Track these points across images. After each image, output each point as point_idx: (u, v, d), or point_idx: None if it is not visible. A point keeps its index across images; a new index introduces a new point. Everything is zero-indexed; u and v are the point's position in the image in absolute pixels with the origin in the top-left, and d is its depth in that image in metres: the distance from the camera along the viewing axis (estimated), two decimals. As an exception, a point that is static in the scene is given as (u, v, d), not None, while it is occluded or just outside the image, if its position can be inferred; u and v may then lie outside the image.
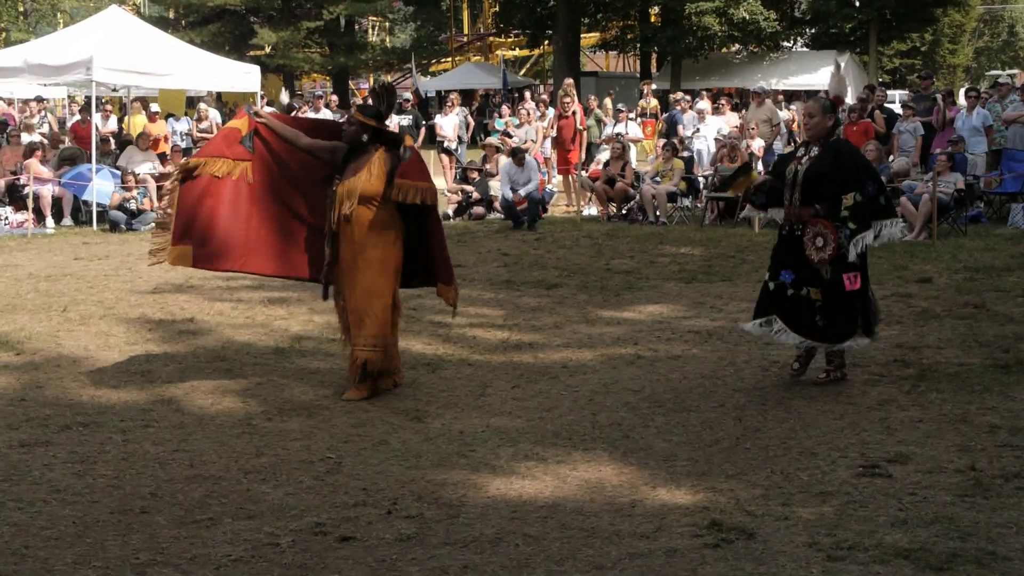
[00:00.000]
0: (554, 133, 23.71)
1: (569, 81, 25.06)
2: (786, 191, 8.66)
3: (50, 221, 19.57)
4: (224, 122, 26.36)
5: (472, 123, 28.28)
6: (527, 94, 30.00)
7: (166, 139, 24.41)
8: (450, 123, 25.49)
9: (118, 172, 20.28)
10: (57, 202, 20.04)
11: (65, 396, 8.55)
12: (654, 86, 30.04)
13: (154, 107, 25.43)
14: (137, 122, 24.16)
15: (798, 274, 8.50)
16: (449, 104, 27.15)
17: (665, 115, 26.71)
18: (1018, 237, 16.22)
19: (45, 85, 27.97)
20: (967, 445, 7.08)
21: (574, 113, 22.90)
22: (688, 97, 26.37)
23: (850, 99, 30.46)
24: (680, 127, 24.11)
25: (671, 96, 30.49)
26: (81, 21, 26.72)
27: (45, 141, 22.68)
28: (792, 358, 8.91)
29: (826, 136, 8.59)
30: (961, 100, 21.08)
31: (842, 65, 9.54)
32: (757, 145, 21.33)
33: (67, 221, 19.92)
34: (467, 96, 43.49)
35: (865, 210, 8.33)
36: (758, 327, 8.77)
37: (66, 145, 22.73)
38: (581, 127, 23.06)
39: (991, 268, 13.58)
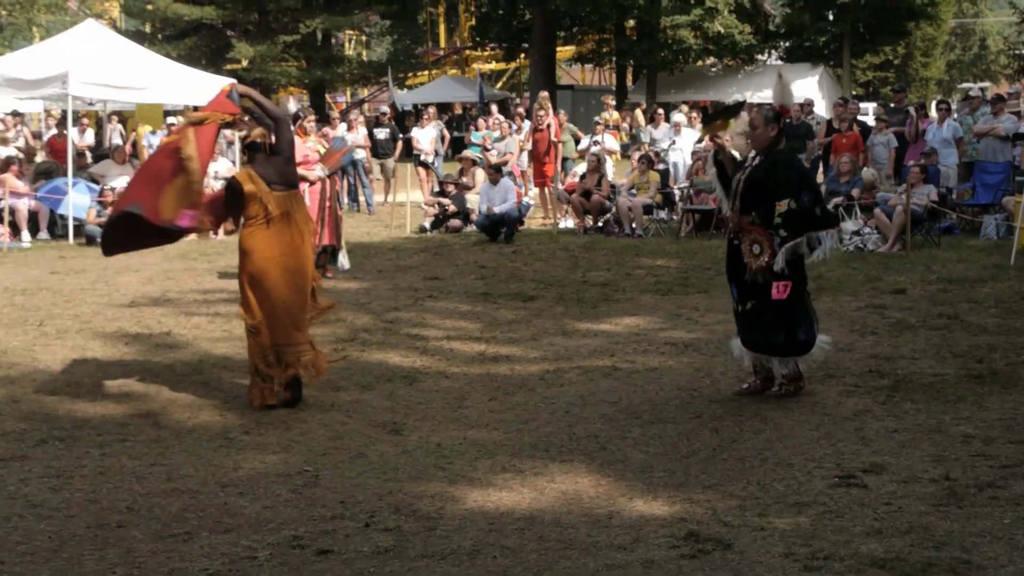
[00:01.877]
0: (530, 146, 23.77)
1: (544, 94, 25.14)
2: (729, 199, 8.71)
3: (26, 235, 19.47)
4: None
5: (448, 136, 28.28)
6: (493, 108, 30.05)
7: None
8: (427, 136, 25.50)
9: (95, 186, 20.22)
10: (33, 216, 19.97)
11: (41, 410, 8.53)
12: (612, 101, 30.08)
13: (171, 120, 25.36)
14: (141, 133, 24.06)
15: (740, 288, 8.54)
16: (426, 117, 27.16)
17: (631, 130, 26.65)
18: (991, 248, 16.33)
19: (21, 99, 27.84)
20: (942, 455, 7.12)
21: (549, 126, 22.94)
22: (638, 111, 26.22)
23: (824, 112, 30.69)
24: (645, 144, 24.11)
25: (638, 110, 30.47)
26: (57, 35, 26.59)
27: (21, 155, 22.59)
28: (744, 379, 8.92)
29: (770, 146, 8.60)
30: (933, 112, 21.15)
31: (785, 75, 9.51)
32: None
33: (43, 235, 19.86)
34: (443, 110, 43.56)
35: (799, 219, 8.33)
36: (736, 348, 8.81)
37: (42, 159, 22.66)
38: (556, 139, 23.10)
39: (964, 279, 13.67)
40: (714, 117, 9.60)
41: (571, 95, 48.25)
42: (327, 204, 14.33)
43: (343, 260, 15.06)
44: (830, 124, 21.87)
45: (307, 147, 14.16)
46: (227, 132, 24.43)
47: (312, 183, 13.95)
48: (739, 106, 9.67)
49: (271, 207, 8.76)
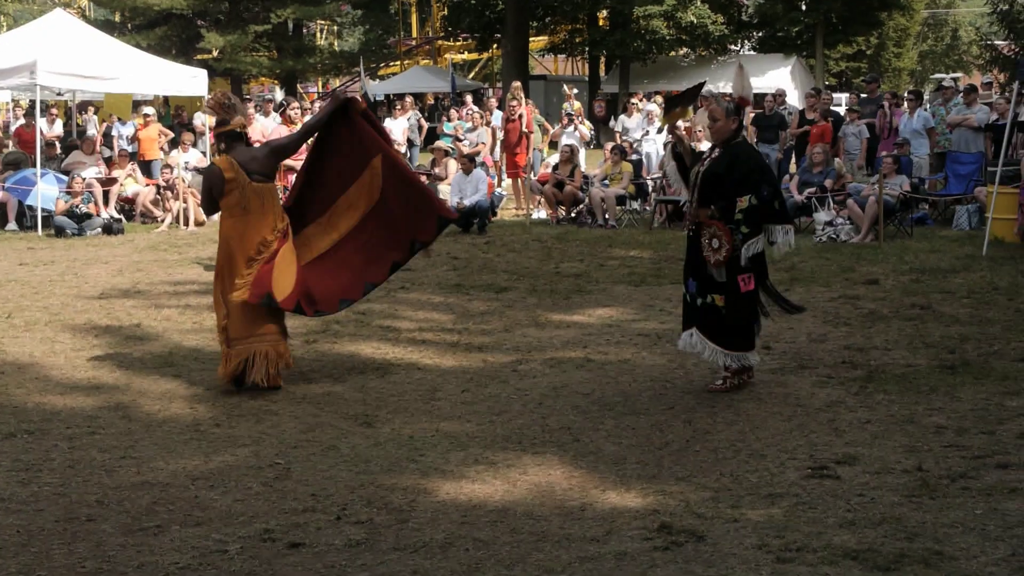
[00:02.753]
0: (502, 136, 23.72)
1: (517, 84, 25.03)
2: (688, 192, 8.70)
3: (-6, 226, 19.36)
4: (172, 127, 26.26)
5: (425, 126, 28.19)
6: (467, 98, 29.98)
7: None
8: (399, 127, 25.44)
9: (63, 177, 20.10)
10: (1, 207, 19.84)
11: (9, 403, 8.46)
12: (575, 91, 30.03)
13: (148, 110, 25.11)
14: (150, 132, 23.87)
15: (700, 281, 8.50)
16: (399, 108, 27.05)
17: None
18: (963, 239, 16.39)
19: (-12, 89, 27.72)
20: (914, 446, 7.14)
21: (520, 116, 22.89)
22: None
23: (796, 102, 30.74)
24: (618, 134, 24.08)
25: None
26: (25, 24, 26.44)
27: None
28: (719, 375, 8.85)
29: (729, 139, 8.56)
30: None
31: (745, 67, 9.49)
32: (704, 148, 21.40)
33: (11, 226, 19.72)
34: (416, 100, 43.50)
35: (758, 214, 8.32)
36: (683, 340, 8.76)
37: (10, 149, 22.51)
38: (527, 130, 23.05)
39: (937, 270, 13.71)
40: (674, 104, 9.57)
41: (544, 85, 48.23)
42: None
43: None
44: (803, 114, 21.90)
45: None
46: (198, 123, 24.33)
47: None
48: (698, 89, 9.61)
49: (250, 197, 8.77)
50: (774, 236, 8.48)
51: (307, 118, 16.43)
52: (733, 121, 8.57)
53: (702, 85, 9.72)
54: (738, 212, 8.29)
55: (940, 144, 20.11)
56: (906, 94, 22.43)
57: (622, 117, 25.53)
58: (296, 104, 15.39)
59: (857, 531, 5.69)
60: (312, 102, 37.04)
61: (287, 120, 14.13)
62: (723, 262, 8.32)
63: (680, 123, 9.17)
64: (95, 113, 28.41)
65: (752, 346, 8.57)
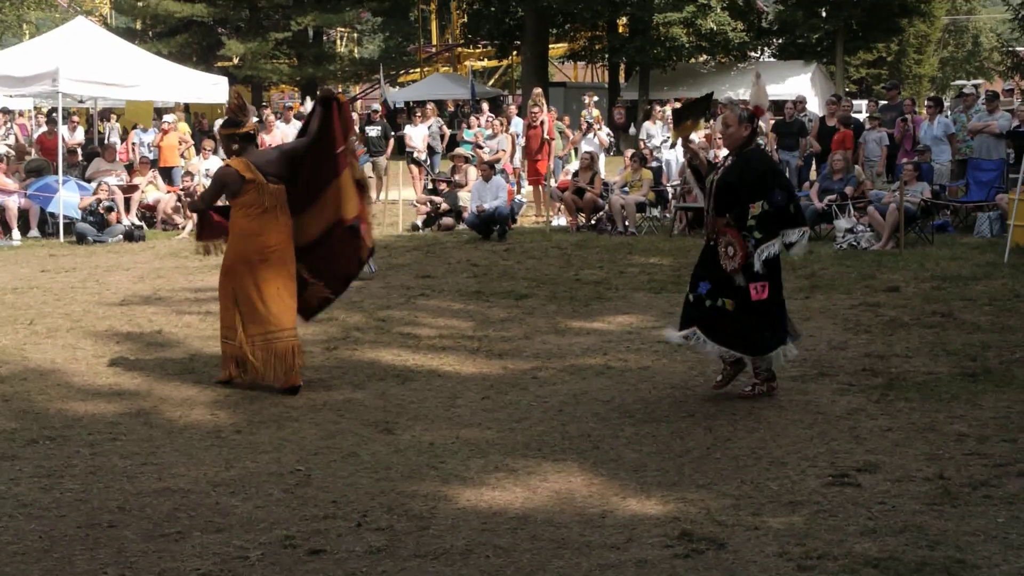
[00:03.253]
0: (523, 142, 23.73)
1: (538, 91, 25.04)
2: (705, 201, 8.68)
3: (16, 233, 19.42)
4: (193, 135, 26.35)
5: (447, 133, 28.22)
6: (484, 106, 30.01)
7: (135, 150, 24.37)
8: (419, 134, 25.48)
9: (85, 185, 20.19)
10: (23, 214, 19.92)
11: (32, 409, 8.49)
12: (595, 98, 29.97)
13: (168, 118, 25.21)
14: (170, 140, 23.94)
15: (714, 285, 8.46)
16: (418, 115, 27.08)
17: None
18: (984, 246, 16.33)
19: (11, 96, 27.77)
20: (935, 454, 7.11)
21: (542, 123, 22.90)
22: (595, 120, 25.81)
23: (817, 109, 30.69)
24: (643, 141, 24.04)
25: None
26: (47, 32, 26.56)
27: (11, 153, 22.55)
28: (718, 371, 8.87)
29: (742, 146, 8.54)
30: (925, 111, 21.23)
31: (762, 75, 9.46)
32: (724, 155, 21.38)
33: (34, 233, 19.81)
34: (438, 107, 43.57)
35: (772, 219, 8.28)
36: (679, 336, 8.74)
37: (32, 157, 22.61)
38: (549, 137, 23.06)
39: (958, 277, 13.67)
40: (683, 116, 9.53)
41: (563, 92, 48.27)
42: None
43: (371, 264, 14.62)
44: (823, 121, 21.87)
45: None
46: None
47: None
48: (707, 100, 9.60)
49: (267, 197, 8.87)
50: (790, 239, 8.44)
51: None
52: (746, 128, 8.54)
53: (710, 96, 9.69)
54: (751, 218, 8.26)
55: (961, 151, 20.04)
56: (926, 101, 22.41)
57: (646, 124, 25.51)
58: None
59: (878, 539, 5.68)
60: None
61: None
62: (738, 269, 8.31)
63: (693, 135, 9.14)
64: (117, 120, 28.54)
65: (769, 349, 8.53)
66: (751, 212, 8.27)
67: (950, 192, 19.33)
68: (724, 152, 20.47)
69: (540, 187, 22.56)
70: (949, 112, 21.07)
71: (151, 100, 26.41)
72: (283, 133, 22.86)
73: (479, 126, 26.15)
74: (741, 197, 8.33)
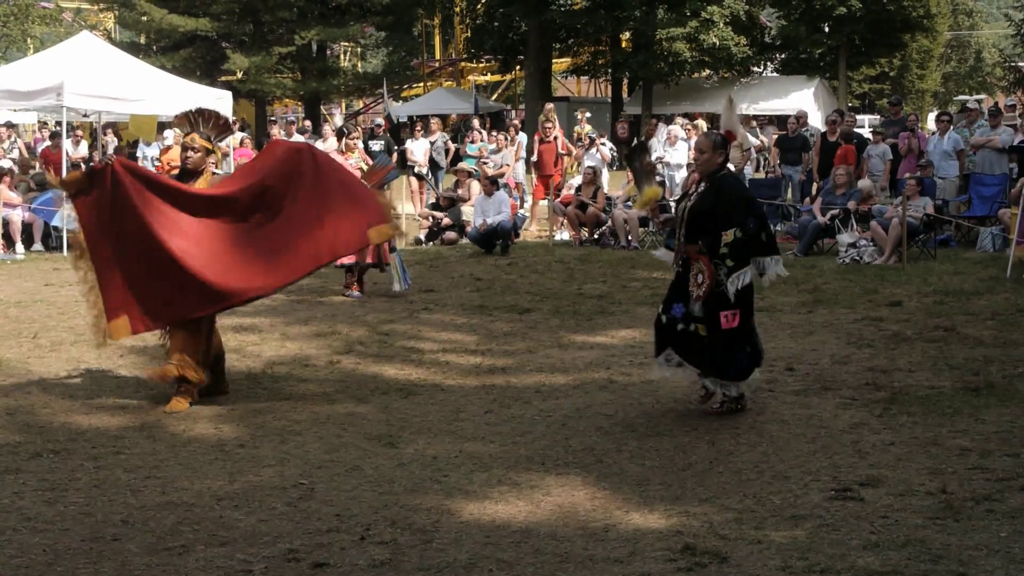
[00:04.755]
0: (523, 155, 23.75)
1: (550, 106, 25.11)
2: (677, 228, 8.64)
3: (20, 247, 19.46)
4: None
5: (452, 148, 28.23)
6: (475, 122, 30.08)
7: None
8: (420, 148, 25.48)
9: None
10: (27, 228, 19.96)
11: (36, 423, 8.50)
12: (588, 114, 30.01)
13: (168, 134, 25.16)
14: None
15: (688, 309, 8.45)
16: (419, 129, 27.09)
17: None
18: (987, 261, 16.35)
19: (15, 110, 27.86)
20: (938, 468, 7.11)
21: (556, 138, 22.95)
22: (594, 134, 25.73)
23: (819, 124, 30.72)
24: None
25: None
26: (52, 47, 26.62)
27: (15, 167, 22.59)
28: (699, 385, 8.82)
29: (715, 172, 8.50)
30: (930, 125, 21.24)
31: (734, 100, 9.43)
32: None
33: (37, 246, 19.84)
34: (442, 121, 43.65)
35: (745, 247, 8.27)
36: (661, 367, 8.71)
37: (36, 171, 22.65)
38: (563, 152, 23.10)
39: (961, 291, 13.68)
40: (640, 182, 9.40)
41: (566, 107, 48.33)
42: None
43: (396, 283, 14.45)
44: (824, 136, 21.89)
45: (349, 164, 13.83)
46: (223, 144, 24.42)
47: None
48: (642, 146, 9.49)
49: None
50: (764, 268, 8.45)
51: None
52: (720, 155, 8.51)
53: (644, 144, 9.50)
54: (723, 246, 8.24)
55: (966, 166, 20.07)
56: (935, 116, 22.42)
57: (652, 140, 25.56)
58: (357, 133, 14.82)
59: (881, 553, 5.68)
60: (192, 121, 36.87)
61: (347, 148, 13.95)
62: (703, 297, 8.30)
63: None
64: (115, 135, 28.58)
65: (747, 374, 8.51)
66: (723, 240, 8.25)
67: (954, 207, 19.34)
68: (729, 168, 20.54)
69: (544, 201, 22.57)
70: (954, 127, 21.06)
71: (155, 114, 26.41)
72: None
73: (471, 142, 26.19)
74: (714, 224, 8.32)
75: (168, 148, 24.13)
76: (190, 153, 8.91)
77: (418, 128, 27.31)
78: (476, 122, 30.48)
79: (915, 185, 17.38)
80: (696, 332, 8.39)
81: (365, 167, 13.97)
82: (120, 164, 8.90)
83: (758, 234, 8.36)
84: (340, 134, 14.39)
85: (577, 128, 27.85)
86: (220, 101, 23.08)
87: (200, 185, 8.89)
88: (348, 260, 13.93)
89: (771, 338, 11.27)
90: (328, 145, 24.18)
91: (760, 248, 8.38)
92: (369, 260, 14.24)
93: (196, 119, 9.08)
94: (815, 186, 21.20)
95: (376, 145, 25.40)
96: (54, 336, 11.76)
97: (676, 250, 8.63)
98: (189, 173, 8.90)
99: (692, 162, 8.72)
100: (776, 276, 8.59)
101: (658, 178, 20.87)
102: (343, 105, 66.04)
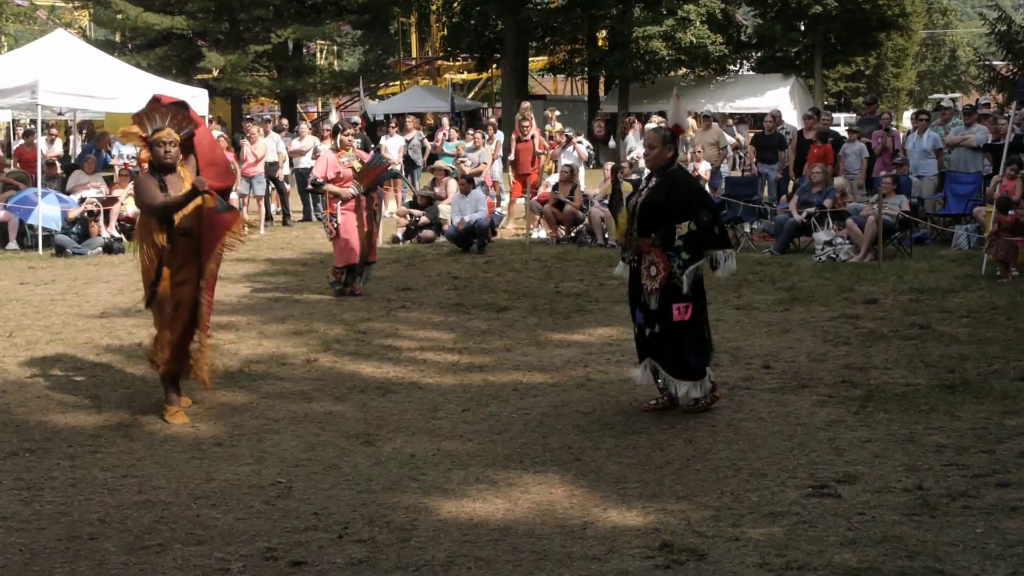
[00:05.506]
0: (500, 154, 23.72)
1: (527, 104, 25.08)
2: (629, 223, 8.66)
3: (-5, 246, 19.38)
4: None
5: (428, 146, 28.20)
6: (444, 120, 30.06)
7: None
8: (394, 145, 25.43)
9: (65, 197, 20.13)
10: (2, 226, 19.87)
11: (11, 422, 8.47)
12: (557, 112, 29.92)
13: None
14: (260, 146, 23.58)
15: (645, 312, 8.50)
16: (393, 126, 27.03)
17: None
18: (962, 258, 16.41)
19: (-11, 109, 27.76)
20: (914, 465, 7.15)
21: (533, 137, 22.95)
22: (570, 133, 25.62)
23: (795, 122, 30.81)
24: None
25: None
26: (26, 44, 26.49)
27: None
28: (653, 396, 8.82)
29: (665, 166, 8.54)
30: (905, 123, 21.33)
31: (680, 95, 9.44)
32: (704, 168, 21.51)
33: (12, 245, 19.74)
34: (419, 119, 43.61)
35: (699, 239, 8.33)
36: (642, 375, 8.73)
37: (11, 169, 22.56)
38: (540, 150, 23.09)
39: (936, 289, 13.73)
40: (615, 210, 9.28)
41: (543, 105, 48.32)
42: (365, 221, 13.92)
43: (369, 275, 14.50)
44: (800, 135, 21.95)
45: (341, 162, 13.86)
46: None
47: (345, 201, 13.76)
48: (618, 201, 9.40)
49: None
50: (716, 261, 8.48)
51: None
52: (669, 149, 8.54)
53: (626, 200, 9.34)
54: (678, 239, 8.30)
55: (942, 164, 20.15)
56: (913, 114, 22.47)
57: (630, 136, 25.59)
58: (351, 130, 14.53)
59: (858, 550, 5.70)
60: (312, 121, 37.03)
61: (342, 145, 13.85)
62: (658, 289, 8.33)
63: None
64: (82, 132, 28.43)
65: (701, 373, 8.51)
66: (678, 232, 8.30)
67: (929, 205, 19.42)
68: (704, 166, 20.60)
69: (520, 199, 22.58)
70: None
71: (130, 113, 26.32)
72: (264, 145, 22.82)
73: (447, 140, 26.16)
74: (667, 218, 8.35)
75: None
76: (168, 148, 8.66)
77: (392, 125, 27.21)
78: (446, 120, 30.46)
79: (891, 183, 17.43)
80: (658, 332, 8.44)
81: (359, 166, 13.92)
82: None
83: (711, 227, 8.41)
84: (335, 131, 14.28)
85: (548, 127, 27.81)
86: (196, 99, 22.99)
87: (179, 178, 8.71)
88: (352, 260, 13.92)
89: (748, 336, 11.33)
90: (305, 143, 24.21)
91: (713, 241, 8.43)
92: (371, 259, 14.20)
93: (165, 114, 8.84)
94: (791, 184, 21.26)
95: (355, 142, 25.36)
96: (29, 335, 11.71)
97: (628, 244, 8.63)
98: (166, 168, 8.68)
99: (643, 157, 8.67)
100: (730, 271, 8.61)
101: (633, 176, 21.00)
102: (319, 103, 65.94)
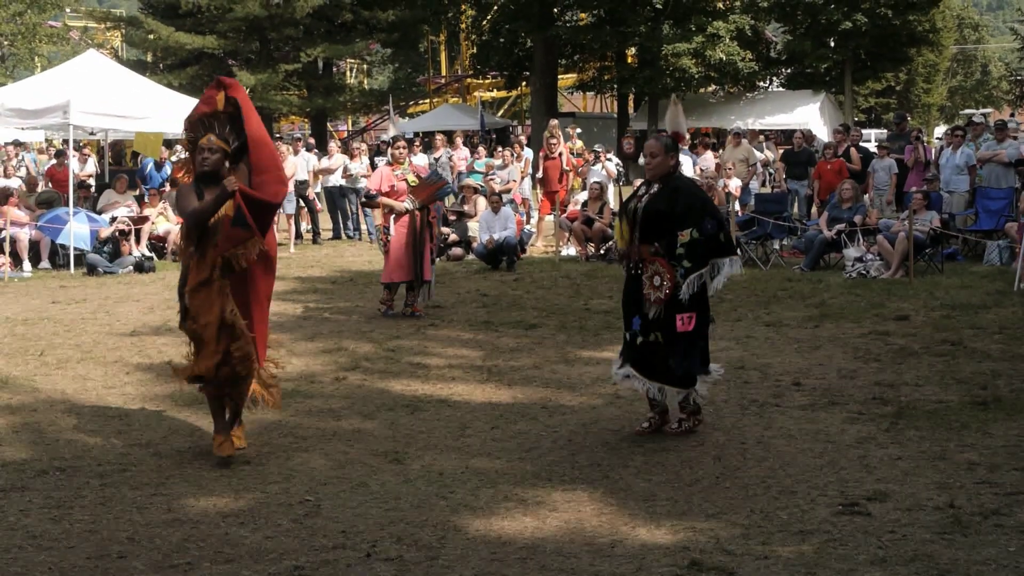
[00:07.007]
0: (531, 172, 23.73)
1: (555, 122, 25.09)
2: (629, 229, 8.59)
3: (27, 265, 19.49)
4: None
5: (456, 164, 28.27)
6: (458, 138, 30.14)
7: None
8: (420, 163, 25.42)
9: (96, 216, 20.26)
10: (34, 245, 19.99)
11: (42, 440, 8.50)
12: (579, 130, 29.88)
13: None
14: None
15: (644, 320, 8.43)
16: (417, 145, 27.11)
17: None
18: (994, 274, 16.32)
19: (23, 128, 27.90)
20: (946, 482, 7.09)
21: (560, 154, 22.96)
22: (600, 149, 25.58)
23: (826, 138, 30.74)
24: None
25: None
26: (59, 65, 26.70)
27: (22, 186, 22.65)
28: (644, 417, 8.74)
29: (667, 174, 8.50)
30: (934, 139, 21.28)
31: (679, 103, 9.40)
32: (734, 185, 21.49)
33: (44, 264, 19.87)
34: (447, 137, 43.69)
35: (702, 248, 8.25)
36: (619, 374, 8.68)
37: (42, 188, 22.71)
38: (568, 168, 23.10)
39: (968, 305, 13.66)
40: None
41: (572, 123, 48.42)
42: (418, 237, 13.69)
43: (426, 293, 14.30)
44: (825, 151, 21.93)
45: (395, 176, 13.77)
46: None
47: (399, 215, 13.65)
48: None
49: None
50: (719, 268, 8.39)
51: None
52: (672, 157, 8.51)
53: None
54: (680, 246, 8.24)
55: (975, 180, 20.07)
56: (948, 130, 22.38)
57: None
58: (402, 143, 14.16)
59: (888, 568, 5.66)
60: (342, 139, 37.13)
61: (395, 160, 13.75)
62: (663, 300, 8.27)
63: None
64: (116, 153, 28.60)
65: (694, 381, 8.47)
66: (680, 240, 8.24)
67: (960, 221, 19.33)
68: (735, 182, 20.54)
69: (549, 216, 22.58)
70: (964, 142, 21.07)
71: (160, 132, 26.44)
72: (294, 164, 22.90)
73: (477, 158, 26.19)
74: (670, 225, 8.31)
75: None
76: (207, 155, 8.16)
77: (416, 144, 27.25)
78: (460, 139, 30.53)
79: (922, 199, 17.37)
80: (656, 341, 8.38)
81: (414, 180, 13.82)
82: None
83: (716, 235, 8.34)
84: (390, 144, 14.22)
85: (569, 143, 27.84)
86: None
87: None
88: (395, 278, 13.82)
89: (777, 352, 11.28)
90: (334, 162, 24.28)
91: (718, 249, 8.36)
92: (426, 278, 13.94)
93: (210, 121, 8.50)
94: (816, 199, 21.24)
95: (382, 162, 25.45)
96: (60, 354, 11.77)
97: (629, 253, 8.58)
98: (208, 177, 8.17)
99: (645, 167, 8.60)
100: (738, 273, 8.57)
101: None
102: (349, 122, 66.17)
